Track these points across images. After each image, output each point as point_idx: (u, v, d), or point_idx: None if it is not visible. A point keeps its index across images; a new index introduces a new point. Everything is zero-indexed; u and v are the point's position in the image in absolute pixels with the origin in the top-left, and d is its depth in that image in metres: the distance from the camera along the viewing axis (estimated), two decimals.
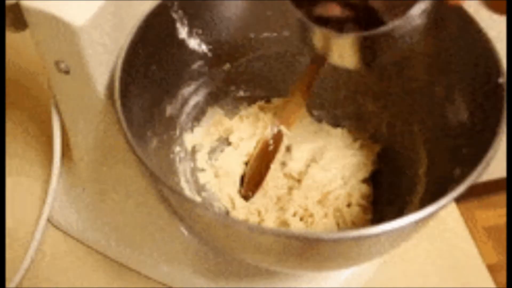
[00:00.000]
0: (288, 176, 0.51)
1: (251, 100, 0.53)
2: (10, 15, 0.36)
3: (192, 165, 0.50)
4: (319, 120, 0.54)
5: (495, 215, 1.18)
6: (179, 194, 0.33)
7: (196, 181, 0.50)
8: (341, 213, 0.48)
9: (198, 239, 0.47)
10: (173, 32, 0.44)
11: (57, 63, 0.37)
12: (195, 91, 0.49)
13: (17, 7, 0.35)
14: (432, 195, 0.36)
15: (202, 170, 0.51)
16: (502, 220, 1.17)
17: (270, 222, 0.47)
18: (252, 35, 0.49)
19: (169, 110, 0.46)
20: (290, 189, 0.50)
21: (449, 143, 0.42)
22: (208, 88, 0.50)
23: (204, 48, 0.47)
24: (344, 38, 0.36)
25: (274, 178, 0.50)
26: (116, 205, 0.49)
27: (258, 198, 0.49)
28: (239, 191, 0.51)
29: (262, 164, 0.50)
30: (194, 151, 0.50)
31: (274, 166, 0.50)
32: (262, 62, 0.51)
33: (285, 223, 0.47)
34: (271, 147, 0.50)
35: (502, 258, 1.10)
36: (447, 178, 0.38)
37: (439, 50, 0.42)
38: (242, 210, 0.48)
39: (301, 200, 0.48)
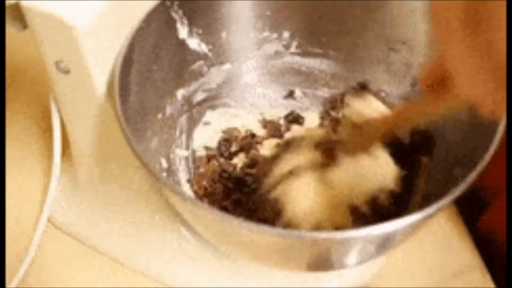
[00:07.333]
0: None
1: None
2: (10, 15, 0.36)
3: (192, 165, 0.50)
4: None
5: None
6: (179, 193, 0.33)
7: None
8: None
9: (198, 239, 0.47)
10: (173, 32, 0.44)
11: (57, 63, 0.37)
12: (195, 91, 0.49)
13: (17, 7, 0.35)
14: (432, 195, 0.36)
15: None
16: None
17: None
18: (252, 35, 0.49)
19: (169, 110, 0.46)
20: None
21: (449, 143, 0.42)
22: (208, 88, 0.50)
23: (204, 48, 0.47)
24: None
25: None
26: (116, 205, 0.49)
27: None
28: None
29: None
30: (194, 151, 0.50)
31: None
32: (262, 62, 0.51)
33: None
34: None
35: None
36: (447, 178, 0.38)
37: None
38: None
39: None
